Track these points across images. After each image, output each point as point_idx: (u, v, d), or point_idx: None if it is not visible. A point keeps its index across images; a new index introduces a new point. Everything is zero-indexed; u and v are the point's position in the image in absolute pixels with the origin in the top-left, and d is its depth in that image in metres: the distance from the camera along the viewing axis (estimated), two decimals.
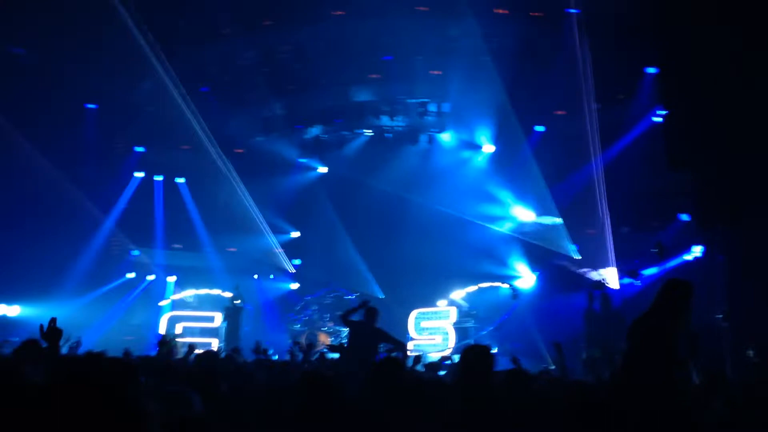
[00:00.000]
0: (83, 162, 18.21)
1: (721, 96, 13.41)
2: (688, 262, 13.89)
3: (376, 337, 9.46)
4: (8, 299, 16.63)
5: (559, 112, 17.08)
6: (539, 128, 17.64)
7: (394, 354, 9.03)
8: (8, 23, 15.49)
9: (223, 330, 17.05)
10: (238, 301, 17.46)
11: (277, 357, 14.16)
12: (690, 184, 14.25)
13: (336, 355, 10.45)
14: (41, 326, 4.90)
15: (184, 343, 16.04)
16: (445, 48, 17.61)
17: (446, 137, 19.64)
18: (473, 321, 16.44)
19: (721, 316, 11.84)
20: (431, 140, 19.82)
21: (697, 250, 13.90)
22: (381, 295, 18.09)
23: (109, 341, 12.97)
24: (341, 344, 10.02)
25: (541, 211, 17.56)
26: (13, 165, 16.54)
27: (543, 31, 16.48)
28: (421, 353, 11.03)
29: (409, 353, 11.50)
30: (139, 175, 19.84)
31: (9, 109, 16.12)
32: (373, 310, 9.80)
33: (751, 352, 10.29)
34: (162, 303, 18.98)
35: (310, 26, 17.33)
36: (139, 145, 19.74)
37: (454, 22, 16.72)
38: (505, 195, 18.25)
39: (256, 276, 19.90)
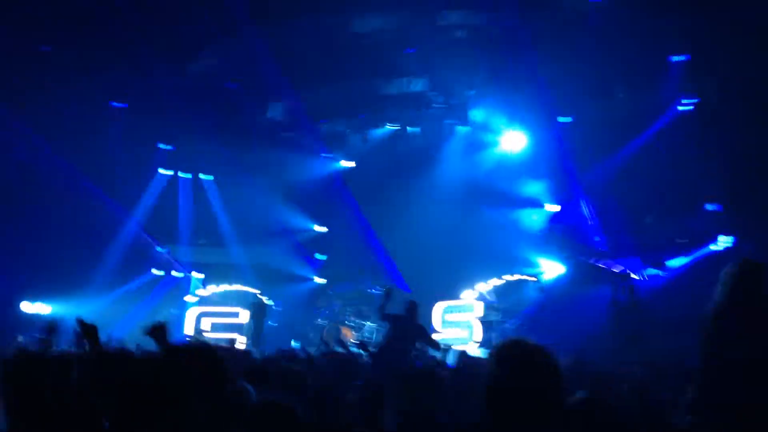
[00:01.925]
0: (110, 160, 18.39)
1: (750, 83, 13.18)
2: (716, 252, 13.64)
3: (416, 333, 9.38)
4: (37, 298, 16.87)
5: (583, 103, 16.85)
6: (564, 119, 17.42)
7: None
8: (35, 21, 15.70)
9: (249, 327, 17.06)
10: (265, 299, 17.50)
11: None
12: (718, 174, 14.02)
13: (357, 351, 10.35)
14: (75, 330, 4.91)
15: (211, 339, 16.22)
16: (468, 39, 17.50)
17: (470, 128, 19.47)
18: (498, 314, 16.31)
19: None
20: (456, 132, 19.68)
21: (725, 240, 13.64)
22: (405, 289, 18.01)
23: (136, 337, 13.06)
24: (364, 343, 9.96)
25: (566, 202, 17.36)
26: (40, 164, 16.76)
27: (568, 19, 16.28)
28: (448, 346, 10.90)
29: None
30: (166, 172, 19.97)
31: (36, 107, 16.33)
32: (414, 304, 9.75)
33: None
34: (188, 299, 19.11)
35: (331, 19, 17.31)
36: (165, 143, 19.88)
37: (478, 11, 16.59)
38: (530, 186, 18.07)
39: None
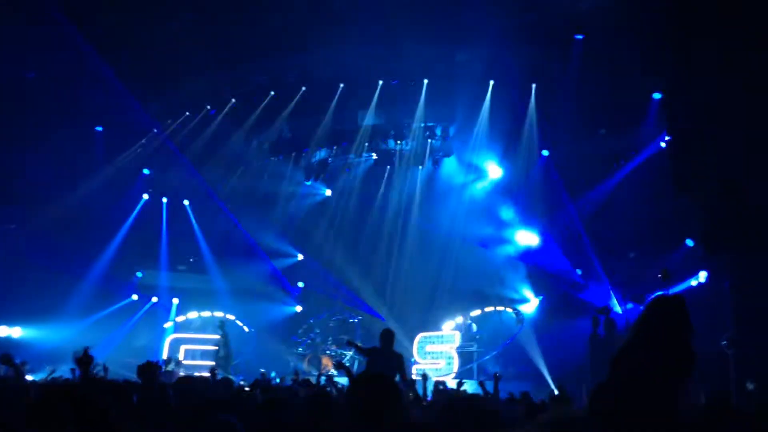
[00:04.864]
0: (90, 183, 18.33)
1: (726, 121, 13.40)
2: (693, 287, 13.76)
3: (394, 361, 9.21)
4: (10, 320, 16.64)
5: (565, 137, 17.02)
6: (545, 152, 17.61)
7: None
8: (19, 48, 15.73)
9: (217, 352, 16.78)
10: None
11: (279, 381, 14.07)
12: (695, 210, 14.18)
13: (344, 379, 10.25)
14: (75, 353, 5.22)
15: (187, 365, 16.08)
16: (451, 73, 17.70)
17: (451, 161, 19.62)
18: (477, 345, 16.31)
19: (725, 342, 11.70)
20: (437, 163, 19.83)
21: (702, 276, 13.77)
22: (384, 319, 17.98)
23: (111, 363, 12.91)
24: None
25: (545, 235, 17.45)
26: (20, 186, 16.65)
27: (549, 57, 16.51)
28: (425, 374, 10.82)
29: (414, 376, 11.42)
30: (145, 196, 19.93)
31: (17, 130, 16.28)
32: (389, 333, 9.61)
33: (750, 385, 10.14)
34: (166, 325, 18.93)
35: (316, 50, 17.45)
36: (145, 167, 19.85)
37: (462, 47, 16.79)
38: (509, 218, 18.15)
39: None
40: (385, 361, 9.09)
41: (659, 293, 5.37)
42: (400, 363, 9.18)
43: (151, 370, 5.11)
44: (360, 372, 9.47)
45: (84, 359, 5.23)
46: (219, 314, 18.84)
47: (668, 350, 4.80)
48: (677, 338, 4.85)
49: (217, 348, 16.53)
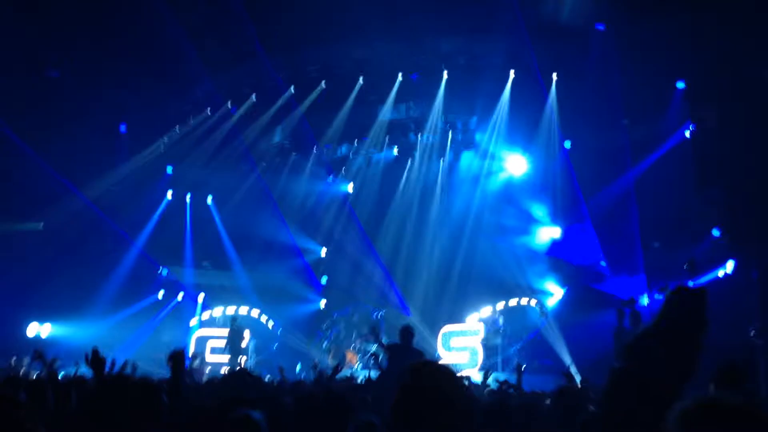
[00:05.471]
0: (114, 181, 18.53)
1: (751, 110, 13.23)
2: (720, 278, 13.60)
3: (414, 358, 9.19)
4: (40, 318, 16.87)
5: (588, 128, 16.87)
6: (567, 144, 17.46)
7: None
8: (43, 47, 15.90)
9: (247, 348, 16.90)
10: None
11: (304, 375, 14.16)
12: (721, 199, 14.02)
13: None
14: (86, 355, 5.17)
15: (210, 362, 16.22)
16: (471, 64, 17.62)
17: (473, 152, 19.52)
18: (502, 338, 16.25)
19: (754, 332, 11.56)
20: (458, 156, 19.75)
21: (729, 266, 13.61)
22: (408, 312, 17.97)
23: (139, 360, 13.05)
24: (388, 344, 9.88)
25: (571, 226, 17.31)
26: (47, 185, 16.85)
27: (572, 47, 16.37)
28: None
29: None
30: (169, 194, 20.09)
31: (42, 130, 16.47)
32: (409, 329, 9.61)
33: None
34: (192, 322, 19.07)
35: (336, 45, 17.46)
36: (169, 164, 20.01)
37: (482, 38, 16.70)
38: (532, 210, 18.04)
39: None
40: (406, 358, 9.09)
41: (680, 283, 5.22)
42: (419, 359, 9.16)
43: (180, 358, 5.03)
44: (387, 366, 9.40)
45: (95, 360, 5.18)
46: (243, 309, 18.95)
47: (677, 346, 4.72)
48: (691, 334, 4.77)
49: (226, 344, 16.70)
